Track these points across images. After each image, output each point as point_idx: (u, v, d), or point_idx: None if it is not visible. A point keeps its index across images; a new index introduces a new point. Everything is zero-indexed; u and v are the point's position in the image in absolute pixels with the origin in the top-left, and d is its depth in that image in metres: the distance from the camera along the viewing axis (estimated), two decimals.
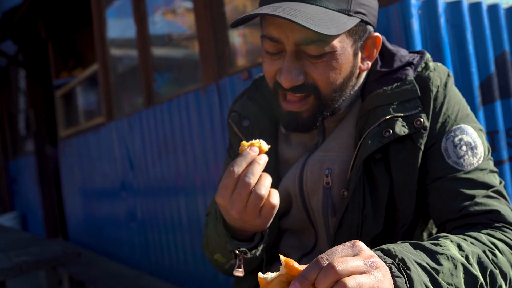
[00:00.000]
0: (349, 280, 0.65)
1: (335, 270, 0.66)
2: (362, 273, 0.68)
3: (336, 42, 1.02)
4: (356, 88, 1.15)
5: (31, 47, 6.67)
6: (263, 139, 1.22)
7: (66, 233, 6.16)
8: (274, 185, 1.21)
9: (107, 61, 4.19)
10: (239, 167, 0.94)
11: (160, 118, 3.22)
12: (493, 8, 1.83)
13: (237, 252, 1.06)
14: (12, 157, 8.47)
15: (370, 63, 1.14)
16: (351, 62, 1.08)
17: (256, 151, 0.96)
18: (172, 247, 3.24)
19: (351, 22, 1.01)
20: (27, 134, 7.41)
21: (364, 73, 1.17)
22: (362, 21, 1.05)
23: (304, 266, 0.70)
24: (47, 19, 5.85)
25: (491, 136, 1.79)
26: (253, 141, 1.00)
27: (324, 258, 0.69)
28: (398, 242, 0.89)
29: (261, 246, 1.08)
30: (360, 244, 0.73)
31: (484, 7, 1.81)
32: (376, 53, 1.14)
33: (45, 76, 6.67)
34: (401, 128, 1.05)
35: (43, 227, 6.60)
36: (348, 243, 0.73)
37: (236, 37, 2.91)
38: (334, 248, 0.72)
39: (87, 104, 5.31)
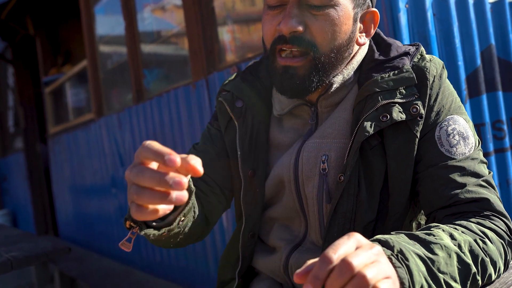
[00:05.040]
0: (367, 271, 0.65)
1: (351, 266, 0.65)
2: (372, 263, 0.68)
3: None
4: (351, 67, 1.16)
5: (20, 43, 6.62)
6: (255, 121, 1.22)
7: (56, 230, 6.14)
8: (262, 169, 1.21)
9: (96, 58, 4.17)
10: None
11: (150, 113, 3.22)
12: (479, 3, 1.86)
13: (131, 225, 0.93)
14: (1, 155, 8.41)
15: (367, 40, 1.15)
16: (350, 26, 1.09)
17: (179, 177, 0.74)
18: None
19: None
20: (16, 131, 7.37)
21: (361, 53, 1.17)
22: None
23: None
24: (36, 16, 5.81)
25: (478, 129, 1.82)
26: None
27: (331, 254, 0.67)
28: (391, 232, 0.90)
29: (166, 228, 0.94)
30: (359, 236, 0.73)
31: (471, 2, 1.83)
32: (373, 30, 1.15)
33: (33, 73, 6.63)
34: (398, 114, 1.06)
35: (33, 224, 6.57)
36: (346, 237, 0.72)
37: (225, 33, 2.91)
38: (336, 243, 0.70)
39: (76, 101, 5.29)
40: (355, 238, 0.72)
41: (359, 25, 1.12)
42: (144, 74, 3.50)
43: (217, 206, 1.23)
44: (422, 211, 1.19)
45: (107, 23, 4.26)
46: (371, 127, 1.06)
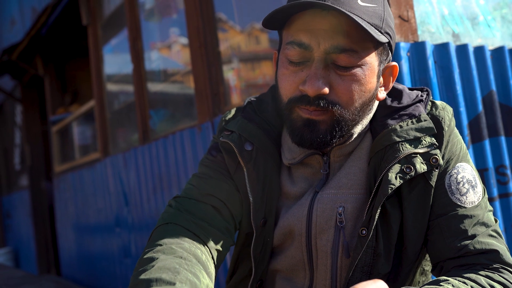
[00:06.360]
0: None
1: None
2: None
3: (366, 56, 1.01)
4: (368, 117, 1.12)
5: (29, 82, 6.74)
6: (268, 167, 1.14)
7: (59, 269, 6.09)
8: (272, 218, 1.15)
9: (103, 98, 4.24)
10: None
11: (155, 154, 3.24)
12: (480, 50, 1.89)
13: None
14: (6, 192, 8.42)
15: (385, 93, 1.12)
16: (375, 84, 1.05)
17: None
18: None
19: (383, 39, 1.01)
20: (21, 169, 7.40)
21: (375, 105, 1.14)
22: (388, 43, 1.05)
23: None
24: (45, 56, 5.92)
25: (481, 174, 1.82)
26: None
27: None
28: None
29: None
30: (384, 283, 0.79)
31: (471, 49, 1.87)
32: (391, 84, 1.13)
33: (41, 112, 6.72)
34: (420, 165, 1.04)
35: (35, 262, 6.52)
36: (372, 281, 0.79)
37: (231, 75, 2.96)
38: (364, 283, 0.78)
39: (82, 140, 5.33)
40: (381, 284, 0.79)
41: (380, 79, 1.09)
42: (150, 115, 3.54)
43: (227, 247, 1.14)
44: (426, 257, 1.18)
45: (115, 62, 4.33)
46: (396, 179, 1.02)
